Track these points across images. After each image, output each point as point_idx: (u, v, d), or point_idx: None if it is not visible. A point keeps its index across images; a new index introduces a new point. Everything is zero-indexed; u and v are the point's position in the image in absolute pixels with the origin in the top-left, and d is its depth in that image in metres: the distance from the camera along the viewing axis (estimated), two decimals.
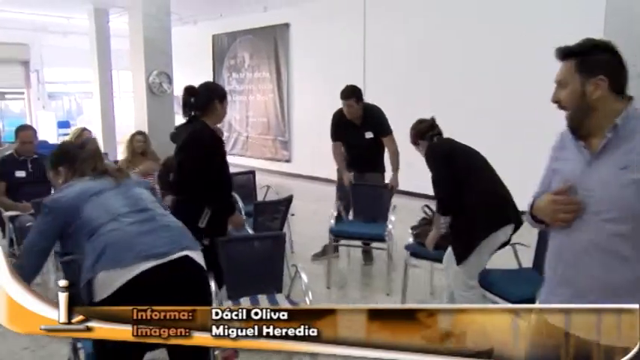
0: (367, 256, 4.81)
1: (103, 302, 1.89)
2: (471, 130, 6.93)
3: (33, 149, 4.74)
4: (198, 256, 2.08)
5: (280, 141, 10.06)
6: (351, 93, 4.58)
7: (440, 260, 3.45)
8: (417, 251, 3.69)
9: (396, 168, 4.64)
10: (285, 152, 10.04)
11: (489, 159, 3.19)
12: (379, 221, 4.33)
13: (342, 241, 4.68)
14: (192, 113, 3.18)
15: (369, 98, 8.20)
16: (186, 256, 2.01)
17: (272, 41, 9.93)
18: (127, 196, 2.15)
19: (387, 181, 4.74)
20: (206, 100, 3.12)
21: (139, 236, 2.00)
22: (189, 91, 3.21)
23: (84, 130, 5.16)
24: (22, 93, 13.61)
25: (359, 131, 4.66)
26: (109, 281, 1.91)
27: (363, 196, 4.58)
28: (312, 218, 5.21)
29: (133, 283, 1.90)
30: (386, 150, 4.70)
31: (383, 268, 4.71)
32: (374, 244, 4.43)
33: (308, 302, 2.69)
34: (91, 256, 1.98)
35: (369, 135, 4.61)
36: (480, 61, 6.88)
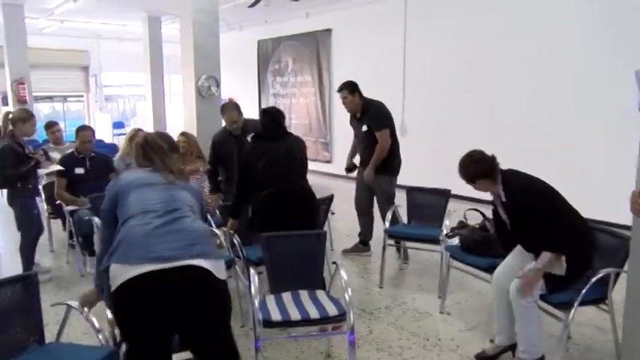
0: (404, 255, 4.93)
1: (113, 294, 1.97)
2: (503, 140, 7.00)
3: (91, 148, 5.03)
4: (212, 266, 2.00)
5: (322, 142, 10.28)
6: (343, 85, 4.82)
7: (477, 266, 3.53)
8: (456, 254, 3.72)
9: (373, 161, 4.69)
10: (326, 153, 10.25)
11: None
12: (432, 224, 4.36)
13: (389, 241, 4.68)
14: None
15: (408, 102, 8.41)
16: (194, 265, 1.95)
17: (314, 46, 10.16)
18: (166, 195, 2.17)
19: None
20: None
21: (153, 237, 1.99)
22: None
23: (138, 130, 5.40)
24: (82, 96, 14.39)
25: (359, 124, 4.87)
26: (117, 274, 1.95)
27: (418, 198, 4.66)
28: (351, 217, 5.37)
29: (134, 282, 1.90)
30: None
31: (422, 269, 4.83)
32: (427, 246, 4.38)
33: (347, 298, 2.75)
34: (113, 245, 2.05)
35: (364, 128, 4.76)
36: (517, 70, 6.87)
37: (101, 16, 10.96)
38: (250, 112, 11.65)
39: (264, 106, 11.59)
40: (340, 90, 4.82)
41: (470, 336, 3.45)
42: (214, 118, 6.46)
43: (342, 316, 2.73)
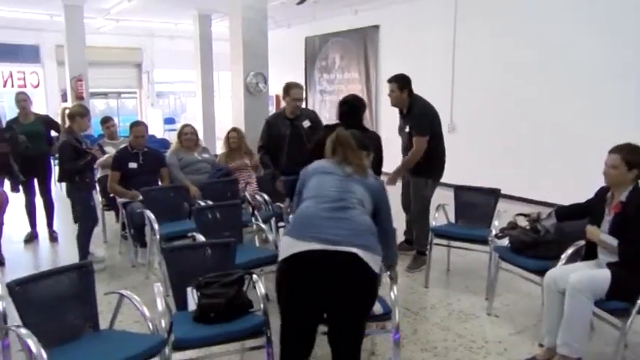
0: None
1: (279, 263, 2.23)
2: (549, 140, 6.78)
3: (144, 143, 5.17)
4: (370, 258, 2.13)
5: None
6: (394, 78, 4.53)
7: (527, 267, 3.44)
8: (506, 255, 3.62)
9: (400, 166, 4.57)
10: None
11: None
12: (481, 224, 4.28)
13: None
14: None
15: (456, 100, 8.25)
16: (352, 253, 2.10)
17: (362, 43, 10.11)
18: (341, 185, 2.31)
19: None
20: None
21: (321, 219, 2.18)
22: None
23: (185, 126, 5.55)
24: (135, 92, 14.88)
25: (404, 122, 4.63)
26: (286, 246, 2.19)
27: (466, 197, 4.55)
28: (400, 214, 5.31)
29: (298, 256, 2.12)
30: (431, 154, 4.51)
31: (469, 270, 4.75)
32: (474, 246, 4.26)
33: (392, 297, 2.72)
34: (291, 220, 2.34)
35: (407, 129, 4.56)
36: (570, 68, 6.63)
37: (154, 15, 11.28)
38: None
39: (310, 102, 11.64)
40: (390, 82, 4.55)
41: (518, 339, 3.36)
42: (262, 114, 6.55)
43: (387, 315, 2.70)
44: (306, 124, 4.84)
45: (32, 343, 2.12)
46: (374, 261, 2.15)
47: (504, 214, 4.19)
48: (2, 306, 2.70)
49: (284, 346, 2.27)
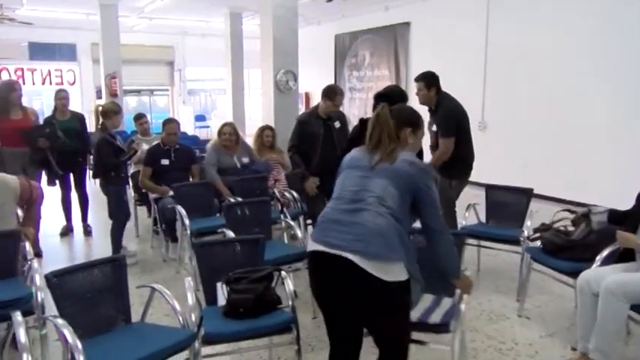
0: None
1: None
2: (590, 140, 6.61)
3: (176, 140, 5.24)
4: (370, 265, 1.94)
5: None
6: (421, 77, 4.44)
7: (560, 269, 3.37)
8: (538, 256, 3.55)
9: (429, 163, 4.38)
10: None
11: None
12: (512, 224, 4.20)
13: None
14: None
15: (488, 97, 8.12)
16: (347, 259, 1.97)
17: (392, 40, 10.04)
18: (361, 182, 2.12)
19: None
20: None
21: (332, 222, 2.09)
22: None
23: (225, 125, 5.46)
24: (167, 90, 15.13)
25: (432, 120, 4.51)
26: (309, 245, 2.17)
27: (498, 196, 4.47)
28: None
29: (311, 255, 2.12)
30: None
31: (499, 271, 4.68)
32: (505, 247, 4.17)
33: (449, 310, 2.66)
34: None
35: (433, 128, 4.45)
36: (604, 66, 6.44)
37: (187, 13, 11.44)
38: None
39: None
40: (417, 80, 4.47)
41: (549, 342, 3.30)
42: (291, 111, 6.57)
43: (444, 326, 2.60)
44: (337, 124, 4.81)
45: (68, 334, 2.18)
46: (377, 268, 1.94)
47: (536, 215, 4.10)
48: (41, 297, 2.79)
49: (330, 342, 2.26)
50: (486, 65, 8.15)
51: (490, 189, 4.55)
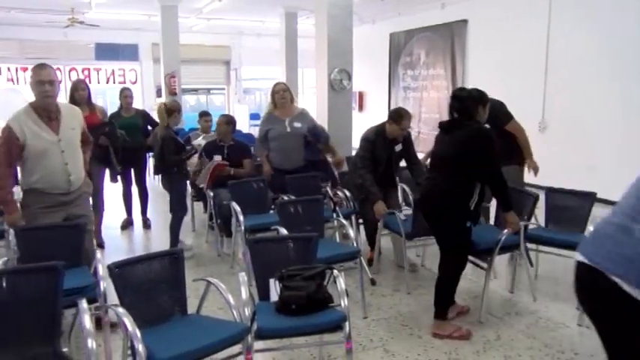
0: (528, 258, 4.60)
1: None
2: None
3: (231, 137, 5.37)
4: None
5: None
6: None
7: None
8: None
9: (528, 154, 4.47)
10: None
11: None
12: (573, 229, 4.02)
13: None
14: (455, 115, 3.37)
15: (549, 97, 7.84)
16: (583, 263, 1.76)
17: (449, 38, 9.85)
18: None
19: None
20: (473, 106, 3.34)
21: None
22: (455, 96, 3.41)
23: (277, 84, 5.34)
24: (223, 89, 15.49)
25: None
26: None
27: (558, 200, 4.31)
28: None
29: None
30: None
31: (559, 277, 4.51)
32: (566, 252, 4.06)
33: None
34: None
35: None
36: None
37: (243, 14, 11.65)
38: (379, 105, 11.68)
39: (393, 99, 11.53)
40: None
41: None
42: (345, 110, 6.57)
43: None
44: (398, 148, 4.61)
45: (128, 322, 2.27)
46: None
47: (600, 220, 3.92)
48: (103, 286, 2.92)
49: None
50: (547, 63, 7.85)
51: (551, 192, 4.38)
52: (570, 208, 4.22)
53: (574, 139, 7.45)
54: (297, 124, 5.02)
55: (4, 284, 2.32)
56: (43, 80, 3.13)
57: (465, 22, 9.49)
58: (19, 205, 3.39)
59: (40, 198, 3.26)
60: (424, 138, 10.67)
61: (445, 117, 10.54)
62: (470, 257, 3.55)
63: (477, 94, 3.38)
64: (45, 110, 3.20)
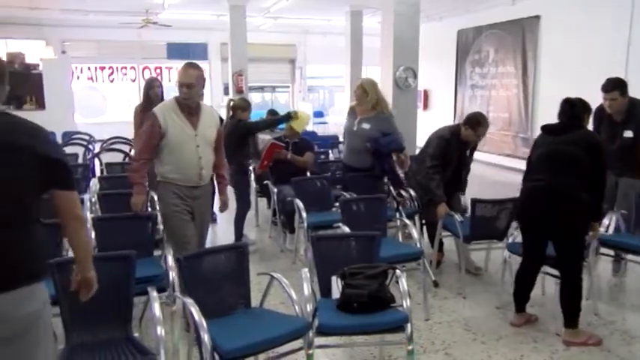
0: (617, 266, 4.36)
1: None
2: None
3: (297, 135, 5.44)
4: None
5: (521, 138, 9.58)
6: (613, 85, 4.14)
7: None
8: None
9: None
10: (525, 150, 9.50)
11: None
12: None
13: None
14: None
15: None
16: None
17: (520, 35, 9.48)
18: None
19: None
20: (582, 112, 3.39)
21: None
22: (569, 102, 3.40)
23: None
24: (288, 87, 15.71)
25: (616, 128, 4.20)
26: None
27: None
28: None
29: None
30: None
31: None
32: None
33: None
34: None
35: (627, 134, 4.11)
36: None
37: (309, 12, 11.74)
38: (445, 104, 11.44)
39: (459, 97, 11.25)
40: (610, 90, 4.15)
41: None
42: (410, 109, 6.48)
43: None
44: (469, 152, 4.53)
45: (195, 312, 2.35)
46: None
47: None
48: (172, 276, 3.04)
49: None
50: (628, 60, 7.39)
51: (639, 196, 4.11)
52: None
53: None
54: (366, 126, 4.78)
55: None
56: (182, 83, 3.24)
57: (537, 18, 9.09)
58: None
59: (173, 189, 3.36)
60: (491, 138, 10.33)
61: (515, 117, 10.26)
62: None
63: (584, 102, 3.41)
64: (186, 106, 3.34)
